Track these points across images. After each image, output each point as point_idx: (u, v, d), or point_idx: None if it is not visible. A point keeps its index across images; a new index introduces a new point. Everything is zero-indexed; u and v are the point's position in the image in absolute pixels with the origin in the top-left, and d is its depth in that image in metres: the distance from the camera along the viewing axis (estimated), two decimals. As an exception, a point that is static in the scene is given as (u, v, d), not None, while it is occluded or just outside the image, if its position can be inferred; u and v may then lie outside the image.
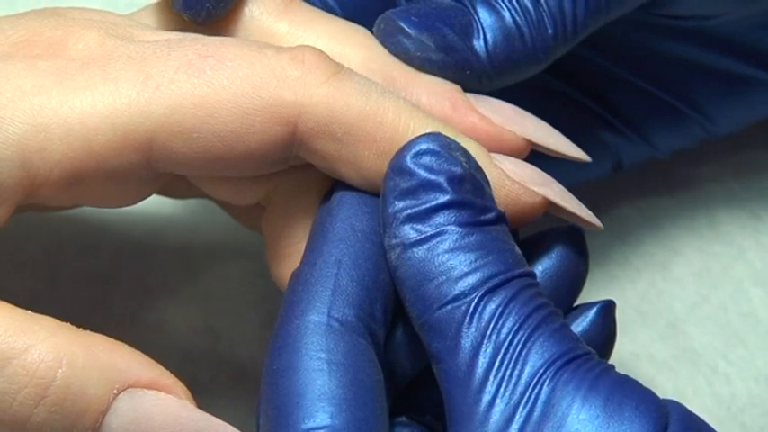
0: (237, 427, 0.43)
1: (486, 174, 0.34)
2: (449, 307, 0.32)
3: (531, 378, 0.31)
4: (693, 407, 0.42)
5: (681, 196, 0.47)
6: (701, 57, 0.42)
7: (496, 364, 0.31)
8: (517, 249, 0.33)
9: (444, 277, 0.32)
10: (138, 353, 0.33)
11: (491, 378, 0.31)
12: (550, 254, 0.36)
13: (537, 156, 0.37)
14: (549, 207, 0.36)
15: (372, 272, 0.34)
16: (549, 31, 0.36)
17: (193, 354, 0.43)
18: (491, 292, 0.32)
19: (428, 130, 0.34)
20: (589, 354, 0.32)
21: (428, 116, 0.35)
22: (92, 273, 0.43)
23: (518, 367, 0.31)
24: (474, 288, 0.32)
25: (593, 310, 0.36)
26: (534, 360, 0.31)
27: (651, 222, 0.47)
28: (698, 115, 0.43)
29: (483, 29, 0.36)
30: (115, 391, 0.32)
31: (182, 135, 0.33)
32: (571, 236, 0.36)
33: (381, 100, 0.34)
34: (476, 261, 0.32)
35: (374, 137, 0.34)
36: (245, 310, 0.44)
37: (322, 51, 0.34)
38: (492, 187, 0.34)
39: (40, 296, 0.42)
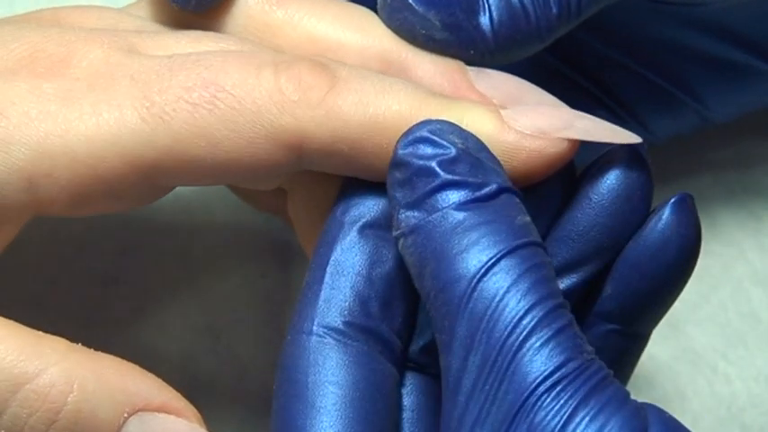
0: (237, 427, 0.43)
1: (502, 142, 0.34)
2: (444, 293, 0.31)
3: (514, 404, 0.30)
4: (693, 407, 0.42)
5: (681, 196, 0.47)
6: (698, 43, 0.42)
7: (483, 378, 0.31)
8: (521, 219, 0.32)
9: (438, 261, 0.32)
10: (150, 375, 0.33)
11: (476, 394, 0.31)
12: (608, 176, 0.35)
13: None
14: (582, 142, 0.35)
15: (365, 268, 0.34)
16: (554, 11, 0.36)
17: (193, 354, 0.43)
18: (486, 274, 0.31)
19: (431, 119, 0.33)
20: (580, 367, 0.31)
21: (432, 100, 0.34)
22: (92, 273, 0.43)
23: (503, 385, 0.30)
24: (467, 270, 0.31)
25: (667, 210, 0.35)
26: (520, 379, 0.30)
27: (651, 222, 0.47)
28: (693, 101, 0.43)
29: (489, 6, 0.36)
30: (126, 415, 0.32)
31: (186, 163, 0.33)
32: (626, 152, 0.35)
33: (380, 103, 0.34)
34: (470, 240, 0.32)
35: (380, 144, 0.34)
36: (245, 310, 0.44)
37: (316, 63, 0.34)
38: (511, 153, 0.34)
39: (40, 296, 0.42)
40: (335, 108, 0.33)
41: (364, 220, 0.34)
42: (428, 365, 0.35)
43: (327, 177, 0.36)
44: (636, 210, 0.35)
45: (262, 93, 0.33)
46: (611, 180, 0.35)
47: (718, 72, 0.43)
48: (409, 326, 0.35)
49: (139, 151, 0.33)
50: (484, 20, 0.36)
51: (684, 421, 0.44)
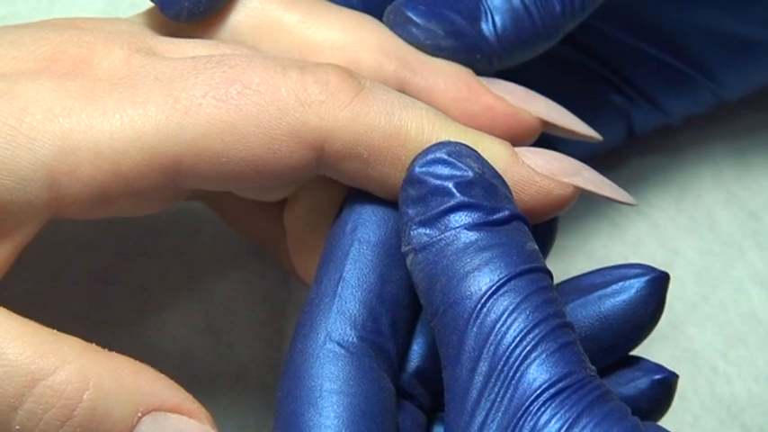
0: (237, 427, 0.43)
1: (514, 174, 0.34)
2: (453, 310, 0.32)
3: (518, 409, 0.31)
4: (693, 407, 0.42)
5: (680, 196, 0.47)
6: (708, 19, 0.43)
7: (489, 386, 0.31)
8: (530, 246, 0.33)
9: (449, 278, 0.32)
10: (163, 376, 0.34)
11: (482, 401, 0.31)
12: (629, 291, 0.36)
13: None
14: (583, 191, 0.36)
15: (377, 286, 0.34)
16: (557, 8, 0.36)
17: (193, 354, 0.43)
18: (495, 293, 0.32)
19: (450, 140, 0.34)
20: (583, 380, 0.31)
21: (450, 123, 0.35)
22: (92, 273, 0.43)
23: (509, 392, 0.31)
24: (477, 289, 0.32)
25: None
26: (525, 386, 0.31)
27: (651, 222, 0.47)
28: (706, 80, 0.44)
29: (491, 11, 0.36)
30: (139, 414, 0.33)
31: (209, 159, 0.33)
32: (656, 282, 0.36)
33: (404, 116, 0.34)
34: (481, 261, 0.32)
35: (399, 156, 0.34)
36: (245, 310, 0.44)
37: (345, 69, 0.34)
38: (521, 185, 0.34)
39: (40, 296, 0.42)
40: (362, 113, 0.34)
41: (375, 238, 0.34)
42: (414, 395, 0.35)
43: (332, 188, 0.36)
44: (634, 337, 0.36)
45: (288, 91, 0.33)
46: (628, 308, 0.36)
47: (730, 48, 0.43)
48: (405, 349, 0.35)
49: (163, 147, 0.33)
50: (486, 26, 0.36)
51: (684, 421, 0.44)
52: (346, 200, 0.35)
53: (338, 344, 0.33)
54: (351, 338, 0.33)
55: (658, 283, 0.36)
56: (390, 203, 0.35)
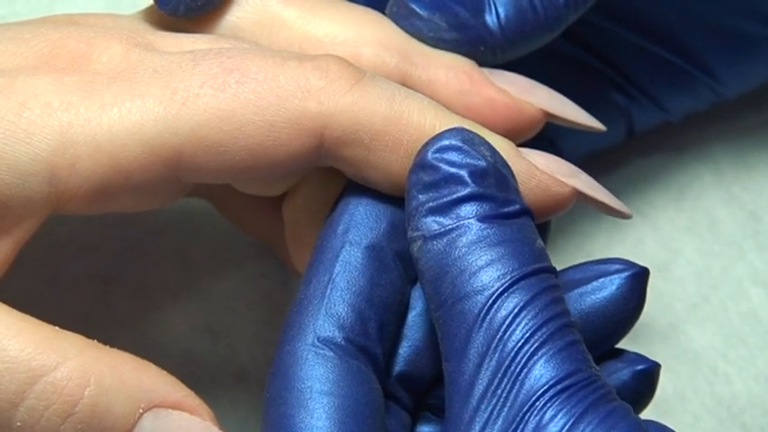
0: (237, 427, 0.43)
1: (515, 166, 0.34)
2: (462, 303, 0.32)
3: (524, 404, 0.31)
4: (693, 407, 0.42)
5: (681, 196, 0.47)
6: (707, 16, 0.43)
7: (496, 382, 0.31)
8: (539, 244, 0.33)
9: (460, 271, 0.32)
10: (165, 373, 0.34)
11: (488, 396, 0.31)
12: (609, 287, 0.35)
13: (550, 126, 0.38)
14: (579, 196, 0.36)
15: (366, 289, 0.34)
16: (561, 0, 0.36)
17: (193, 354, 0.43)
18: (506, 291, 0.32)
19: (463, 127, 0.34)
20: (588, 378, 0.32)
21: (452, 114, 0.35)
22: (92, 273, 0.43)
23: (515, 389, 0.31)
24: (488, 285, 0.32)
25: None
26: (531, 383, 0.31)
27: (651, 222, 0.47)
28: (706, 77, 0.44)
29: (494, 3, 0.36)
30: (141, 410, 0.33)
31: (209, 149, 0.33)
32: (636, 278, 0.36)
33: (405, 102, 0.34)
34: (493, 256, 0.32)
35: (401, 140, 0.34)
36: (245, 310, 0.44)
37: (344, 59, 0.34)
38: (521, 178, 0.34)
39: (40, 296, 0.42)
40: (363, 98, 0.34)
41: (366, 241, 0.34)
42: (399, 397, 0.35)
43: (331, 181, 0.36)
44: (615, 332, 0.36)
45: (287, 77, 0.33)
46: (608, 304, 0.35)
47: (730, 45, 0.43)
48: (391, 353, 0.35)
49: (162, 139, 0.33)
50: (490, 17, 0.36)
51: (684, 421, 0.44)
52: (340, 198, 0.35)
53: (326, 345, 0.33)
54: (338, 340, 0.33)
55: (638, 278, 0.35)
56: (384, 204, 0.35)
